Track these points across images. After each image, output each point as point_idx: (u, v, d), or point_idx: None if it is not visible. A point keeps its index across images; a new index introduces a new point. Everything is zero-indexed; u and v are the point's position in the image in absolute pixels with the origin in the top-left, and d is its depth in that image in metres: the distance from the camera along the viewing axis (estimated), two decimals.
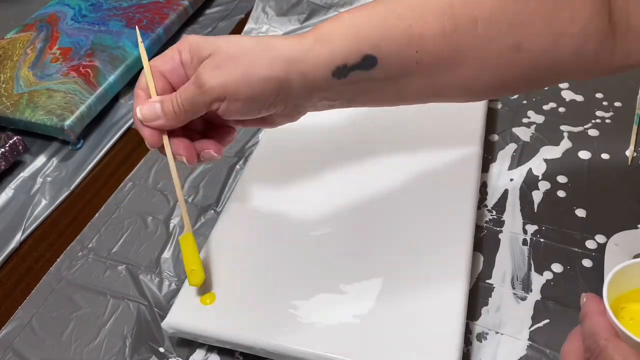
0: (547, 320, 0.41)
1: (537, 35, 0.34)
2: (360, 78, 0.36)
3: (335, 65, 0.35)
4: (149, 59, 0.39)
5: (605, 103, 0.56)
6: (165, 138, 0.38)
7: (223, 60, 0.35)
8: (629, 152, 0.52)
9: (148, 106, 0.37)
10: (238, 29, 0.73)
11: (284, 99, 0.36)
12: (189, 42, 0.37)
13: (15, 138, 0.57)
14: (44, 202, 0.55)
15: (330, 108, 0.39)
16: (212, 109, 0.36)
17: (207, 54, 0.35)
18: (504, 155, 0.52)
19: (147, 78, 0.38)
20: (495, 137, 0.54)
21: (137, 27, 0.44)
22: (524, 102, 0.57)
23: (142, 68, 0.39)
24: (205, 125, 0.40)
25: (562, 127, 0.55)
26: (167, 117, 0.37)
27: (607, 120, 0.55)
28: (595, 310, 0.29)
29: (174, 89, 0.38)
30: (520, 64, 0.35)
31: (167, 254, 0.48)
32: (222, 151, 0.39)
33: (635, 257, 0.43)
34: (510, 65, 0.35)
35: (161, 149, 0.39)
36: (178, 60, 0.37)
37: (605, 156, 0.51)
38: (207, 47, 0.35)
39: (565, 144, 0.53)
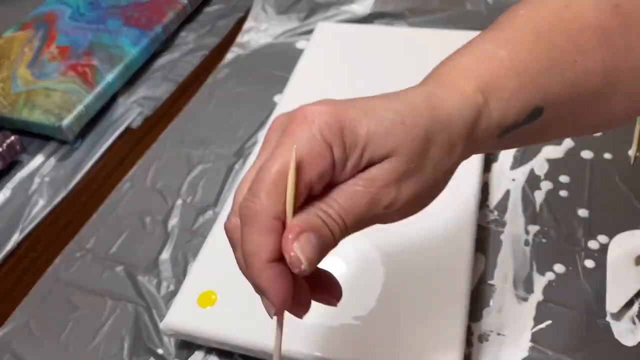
0: (549, 322, 0.40)
1: None
2: (520, 132, 0.28)
3: (505, 128, 0.27)
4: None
5: None
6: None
7: (406, 166, 0.24)
8: (631, 152, 0.51)
9: (306, 241, 0.23)
10: (237, 28, 0.73)
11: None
12: (340, 127, 0.23)
13: (12, 137, 0.57)
14: (41, 202, 0.54)
15: None
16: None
17: (384, 154, 0.24)
18: (506, 155, 0.52)
19: (287, 198, 0.23)
20: None
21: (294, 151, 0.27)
22: None
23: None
24: None
25: None
26: (323, 248, 0.24)
27: None
28: None
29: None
30: None
31: (165, 255, 0.48)
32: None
33: (638, 257, 0.42)
34: None
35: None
36: (329, 160, 0.23)
37: (607, 156, 0.51)
38: (383, 144, 0.24)
39: (568, 143, 0.53)
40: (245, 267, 0.24)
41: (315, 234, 0.23)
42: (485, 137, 0.27)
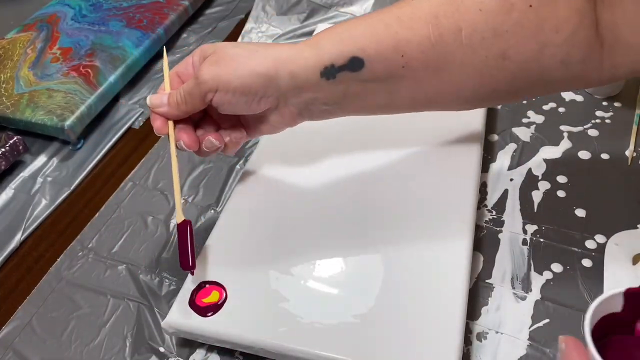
0: (547, 320, 0.41)
1: (522, 44, 0.36)
2: (349, 79, 0.39)
3: (323, 66, 0.38)
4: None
5: (605, 103, 0.57)
6: (170, 124, 0.42)
7: (220, 58, 0.40)
8: (628, 152, 0.52)
9: (157, 95, 0.43)
10: (238, 29, 0.73)
11: (273, 94, 0.40)
12: (202, 47, 0.42)
13: (15, 138, 0.57)
14: (44, 202, 0.55)
15: (327, 115, 0.42)
16: (207, 100, 0.40)
17: (209, 53, 0.40)
18: (504, 155, 0.53)
19: (164, 75, 0.45)
20: (495, 137, 0.54)
21: (164, 48, 0.48)
22: (524, 102, 0.57)
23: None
24: (218, 127, 0.45)
25: (562, 127, 0.55)
26: (171, 105, 0.42)
27: (607, 120, 0.55)
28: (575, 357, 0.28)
29: None
30: (506, 72, 0.37)
31: (167, 254, 0.48)
32: (223, 140, 0.43)
33: (635, 257, 0.43)
34: (497, 73, 0.37)
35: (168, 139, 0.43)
36: (190, 62, 0.43)
37: (605, 156, 0.51)
38: (212, 48, 0.41)
39: (565, 144, 0.53)
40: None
41: (166, 95, 0.42)
42: (306, 71, 0.39)
